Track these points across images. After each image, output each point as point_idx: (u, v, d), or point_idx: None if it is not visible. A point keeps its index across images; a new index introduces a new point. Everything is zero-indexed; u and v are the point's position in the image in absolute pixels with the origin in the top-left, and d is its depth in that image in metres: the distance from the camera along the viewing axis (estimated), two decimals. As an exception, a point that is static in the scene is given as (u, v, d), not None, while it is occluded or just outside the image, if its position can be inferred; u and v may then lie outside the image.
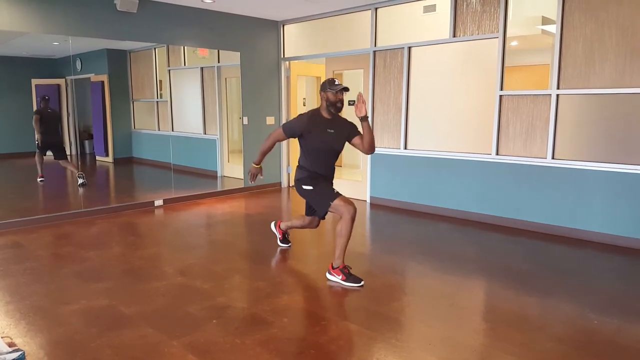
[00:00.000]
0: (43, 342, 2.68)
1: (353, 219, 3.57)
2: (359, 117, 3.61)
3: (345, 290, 3.56)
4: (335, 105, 3.61)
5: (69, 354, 2.57)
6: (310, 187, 3.70)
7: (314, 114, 3.70)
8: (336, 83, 3.60)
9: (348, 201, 3.60)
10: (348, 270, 3.63)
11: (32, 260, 4.09)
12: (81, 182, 6.40)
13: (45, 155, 6.27)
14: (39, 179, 6.38)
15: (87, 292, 3.40)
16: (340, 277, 3.59)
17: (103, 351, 2.58)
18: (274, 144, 3.87)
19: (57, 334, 2.78)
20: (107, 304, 3.20)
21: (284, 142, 7.65)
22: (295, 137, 3.76)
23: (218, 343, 2.67)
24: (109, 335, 2.75)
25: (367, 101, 6.35)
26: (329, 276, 3.68)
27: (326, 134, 3.66)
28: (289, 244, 4.44)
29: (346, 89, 3.62)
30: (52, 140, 6.28)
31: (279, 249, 4.41)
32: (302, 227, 4.24)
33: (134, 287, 3.51)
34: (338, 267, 3.63)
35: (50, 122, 6.24)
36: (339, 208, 3.58)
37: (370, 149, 3.71)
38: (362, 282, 3.57)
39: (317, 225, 4.14)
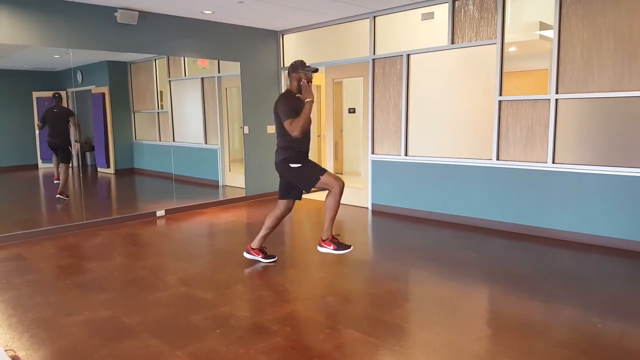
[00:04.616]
0: (46, 354, 2.68)
1: (341, 192, 3.87)
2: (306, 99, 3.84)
3: (348, 298, 3.56)
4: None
5: (72, 365, 2.56)
6: (299, 165, 3.89)
7: (290, 94, 3.94)
8: (307, 65, 3.95)
9: (336, 176, 3.91)
10: (337, 239, 4.00)
11: (34, 273, 4.10)
12: (63, 199, 6.37)
13: (57, 156, 6.25)
14: (55, 181, 6.38)
15: (89, 303, 3.40)
16: (332, 247, 3.94)
17: (106, 362, 2.58)
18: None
19: (60, 346, 2.77)
20: (110, 314, 3.20)
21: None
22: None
23: (221, 353, 2.66)
24: (111, 346, 2.75)
25: (368, 108, 6.40)
26: (320, 249, 3.98)
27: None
28: (275, 258, 4.28)
29: (316, 70, 3.96)
30: (57, 141, 6.20)
31: (271, 262, 4.24)
32: (277, 221, 4.19)
33: (136, 298, 3.51)
34: (328, 239, 3.94)
35: (56, 122, 6.12)
36: (329, 182, 3.84)
37: None
38: (351, 247, 3.99)
39: (291, 209, 4.20)
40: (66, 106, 6.25)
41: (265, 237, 4.24)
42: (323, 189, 3.92)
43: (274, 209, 4.21)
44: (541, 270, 4.02)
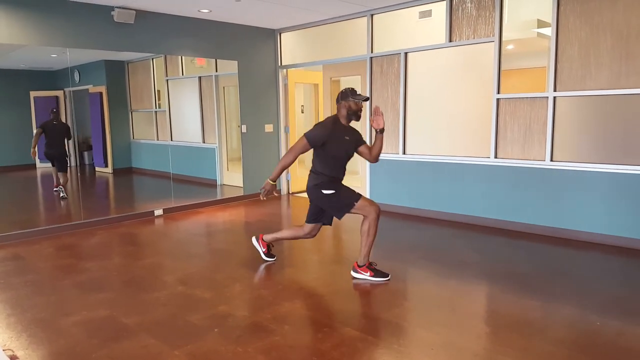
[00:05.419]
0: (45, 354, 2.68)
1: (378, 217, 3.71)
2: (376, 130, 3.75)
3: (347, 297, 3.56)
4: (357, 114, 3.70)
5: (71, 365, 2.56)
6: (333, 191, 3.70)
7: (335, 121, 3.71)
8: (358, 93, 3.69)
9: (371, 201, 3.74)
10: (374, 266, 3.82)
11: (32, 273, 4.09)
12: (62, 195, 6.45)
13: (54, 166, 6.34)
14: (54, 189, 6.41)
15: (88, 303, 3.40)
16: (368, 273, 3.76)
17: (105, 362, 2.57)
18: (297, 157, 3.72)
19: (59, 346, 2.77)
20: (108, 314, 3.19)
21: (282, 150, 7.66)
22: (317, 146, 3.67)
23: (220, 352, 2.66)
24: (110, 346, 2.74)
25: (365, 107, 6.37)
26: (355, 274, 3.82)
27: (344, 141, 3.72)
28: (275, 258, 4.28)
29: (367, 99, 3.74)
30: (54, 152, 6.29)
31: (270, 261, 4.25)
32: (295, 237, 4.14)
33: (134, 298, 3.50)
34: (364, 265, 3.78)
35: (54, 134, 6.23)
36: (365, 208, 3.68)
37: (376, 159, 3.86)
38: (389, 276, 3.77)
39: (316, 234, 4.04)
40: (64, 106, 6.27)
41: (278, 239, 4.25)
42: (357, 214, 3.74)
43: (300, 226, 4.08)
44: (540, 268, 4.03)
